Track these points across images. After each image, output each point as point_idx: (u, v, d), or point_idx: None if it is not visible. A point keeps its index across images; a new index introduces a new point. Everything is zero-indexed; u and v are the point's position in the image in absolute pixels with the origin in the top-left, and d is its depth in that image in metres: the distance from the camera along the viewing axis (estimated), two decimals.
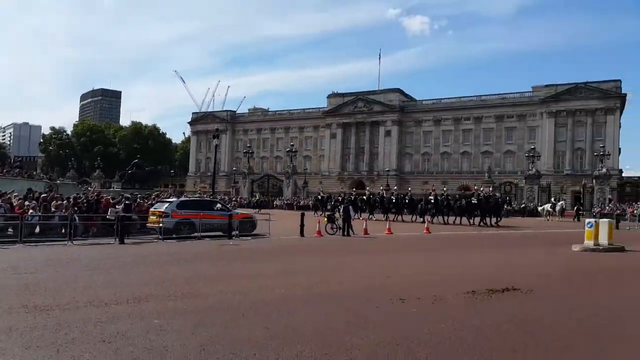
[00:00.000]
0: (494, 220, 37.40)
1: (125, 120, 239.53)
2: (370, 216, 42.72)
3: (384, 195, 47.16)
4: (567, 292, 11.06)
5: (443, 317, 8.43)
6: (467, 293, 10.44)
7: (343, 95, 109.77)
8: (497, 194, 46.70)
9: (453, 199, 44.52)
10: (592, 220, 21.75)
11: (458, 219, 38.95)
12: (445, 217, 38.98)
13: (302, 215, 26.32)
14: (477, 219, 37.60)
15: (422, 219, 37.56)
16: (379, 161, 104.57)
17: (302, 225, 25.16)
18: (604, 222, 21.04)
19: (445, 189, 53.01)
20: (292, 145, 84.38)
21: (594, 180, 66.97)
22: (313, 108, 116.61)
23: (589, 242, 20.10)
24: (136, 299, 9.50)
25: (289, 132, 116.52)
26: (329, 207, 43.45)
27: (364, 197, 46.77)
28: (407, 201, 42.40)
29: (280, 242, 22.41)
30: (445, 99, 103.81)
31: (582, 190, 68.55)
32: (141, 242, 21.34)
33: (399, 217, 41.57)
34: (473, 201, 38.66)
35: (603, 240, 20.27)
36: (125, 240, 20.92)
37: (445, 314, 8.68)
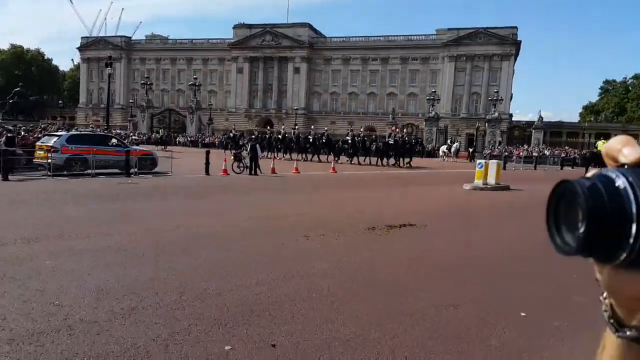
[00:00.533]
0: (406, 160, 38.70)
1: (2, 43, 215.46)
2: (282, 155, 42.07)
3: (300, 135, 46.76)
4: (454, 228, 11.91)
5: (343, 252, 8.76)
6: (368, 229, 10.81)
7: (250, 26, 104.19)
8: (413, 137, 51.01)
9: (369, 140, 44.92)
10: (483, 161, 22.99)
11: (374, 159, 39.74)
12: (362, 158, 39.52)
13: (208, 152, 25.15)
14: (392, 160, 38.87)
15: (337, 158, 37.49)
16: (288, 99, 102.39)
17: (207, 163, 24.21)
18: (492, 163, 22.37)
19: (358, 130, 54.63)
20: (196, 78, 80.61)
21: (486, 124, 72.56)
22: (218, 39, 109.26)
23: (478, 182, 21.47)
24: (25, 240, 8.81)
25: (191, 64, 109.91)
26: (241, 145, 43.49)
27: (279, 137, 46.04)
28: (324, 141, 42.38)
29: (184, 180, 21.64)
30: (354, 37, 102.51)
31: (475, 132, 74.18)
32: (28, 179, 19.91)
33: (316, 157, 41.39)
34: (390, 142, 39.86)
35: (491, 179, 21.69)
36: (10, 177, 19.52)
37: (346, 248, 9.01)
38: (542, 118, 75.08)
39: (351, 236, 10.15)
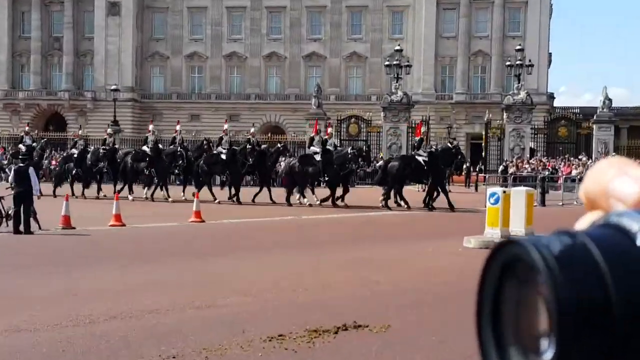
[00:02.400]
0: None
1: None
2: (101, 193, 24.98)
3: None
4: (437, 333, 6.85)
5: None
6: (271, 339, 6.03)
7: None
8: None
9: (276, 152, 24.93)
10: (499, 190, 14.28)
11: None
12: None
13: None
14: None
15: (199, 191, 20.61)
16: (96, 71, 59.60)
17: None
18: (519, 193, 14.07)
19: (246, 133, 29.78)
20: None
21: (504, 114, 42.87)
22: None
23: (492, 231, 12.98)
24: None
25: None
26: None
27: (94, 149, 27.34)
28: (180, 153, 24.25)
29: None
30: None
31: (485, 130, 43.93)
32: None
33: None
34: (422, 155, 22.27)
35: (517, 226, 13.20)
36: None
37: None
38: (610, 101, 43.13)
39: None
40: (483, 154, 43.04)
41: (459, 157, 22.68)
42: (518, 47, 45.08)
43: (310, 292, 8.62)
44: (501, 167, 36.48)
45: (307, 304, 7.98)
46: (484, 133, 44.56)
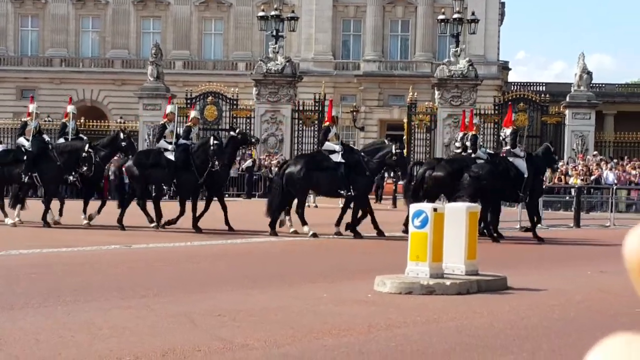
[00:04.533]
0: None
1: None
2: None
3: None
4: None
5: None
6: None
7: None
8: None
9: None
10: (427, 207, 14.43)
11: None
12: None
13: None
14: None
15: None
16: None
17: None
18: (457, 212, 14.70)
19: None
20: None
21: (435, 92, 43.55)
22: None
23: (417, 268, 13.64)
24: None
25: None
26: None
27: None
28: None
29: None
30: None
31: (407, 116, 44.52)
32: None
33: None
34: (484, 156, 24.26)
35: (456, 261, 14.06)
36: None
37: None
38: (590, 75, 43.95)
39: None
40: (405, 150, 41.51)
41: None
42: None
43: None
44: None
45: None
46: (405, 120, 43.67)
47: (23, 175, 23.26)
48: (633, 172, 37.31)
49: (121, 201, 22.50)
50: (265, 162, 38.71)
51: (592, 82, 44.46)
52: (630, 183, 36.81)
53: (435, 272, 13.60)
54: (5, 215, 22.46)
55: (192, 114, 25.94)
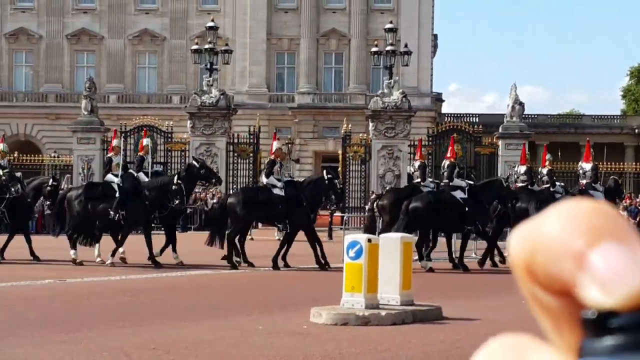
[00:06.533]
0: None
1: None
2: None
3: None
4: None
5: None
6: None
7: None
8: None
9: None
10: (362, 238, 15.06)
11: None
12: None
13: None
14: None
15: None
16: None
17: None
18: (391, 243, 15.20)
19: None
20: None
21: (369, 123, 43.21)
22: None
23: (352, 299, 14.09)
24: None
25: None
26: None
27: None
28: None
29: None
30: None
31: (342, 148, 45.02)
32: None
33: None
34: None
35: (390, 292, 14.60)
36: None
37: None
38: (522, 106, 45.20)
39: None
40: (340, 178, 37.60)
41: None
42: (389, 26, 44.34)
43: None
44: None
45: None
46: (340, 152, 44.37)
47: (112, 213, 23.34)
48: None
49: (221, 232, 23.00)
50: (201, 195, 37.95)
51: (525, 112, 45.30)
52: None
53: (371, 302, 13.77)
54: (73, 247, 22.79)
55: (144, 142, 26.30)
